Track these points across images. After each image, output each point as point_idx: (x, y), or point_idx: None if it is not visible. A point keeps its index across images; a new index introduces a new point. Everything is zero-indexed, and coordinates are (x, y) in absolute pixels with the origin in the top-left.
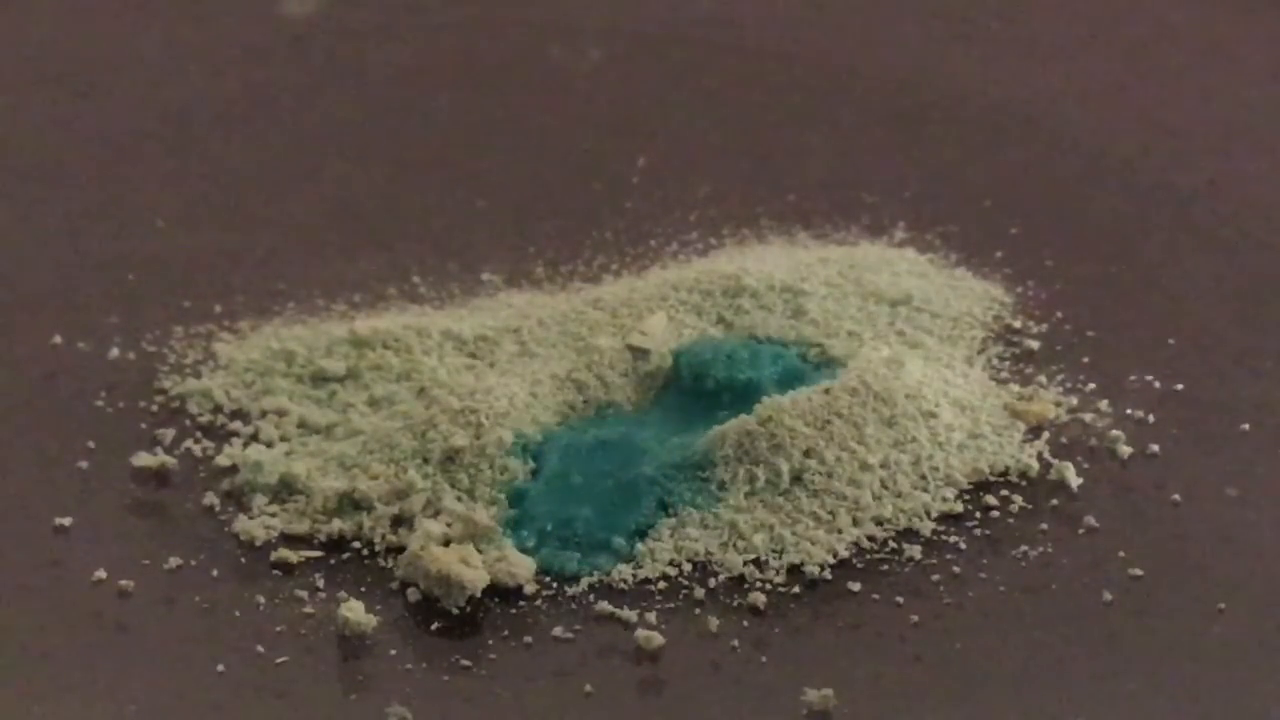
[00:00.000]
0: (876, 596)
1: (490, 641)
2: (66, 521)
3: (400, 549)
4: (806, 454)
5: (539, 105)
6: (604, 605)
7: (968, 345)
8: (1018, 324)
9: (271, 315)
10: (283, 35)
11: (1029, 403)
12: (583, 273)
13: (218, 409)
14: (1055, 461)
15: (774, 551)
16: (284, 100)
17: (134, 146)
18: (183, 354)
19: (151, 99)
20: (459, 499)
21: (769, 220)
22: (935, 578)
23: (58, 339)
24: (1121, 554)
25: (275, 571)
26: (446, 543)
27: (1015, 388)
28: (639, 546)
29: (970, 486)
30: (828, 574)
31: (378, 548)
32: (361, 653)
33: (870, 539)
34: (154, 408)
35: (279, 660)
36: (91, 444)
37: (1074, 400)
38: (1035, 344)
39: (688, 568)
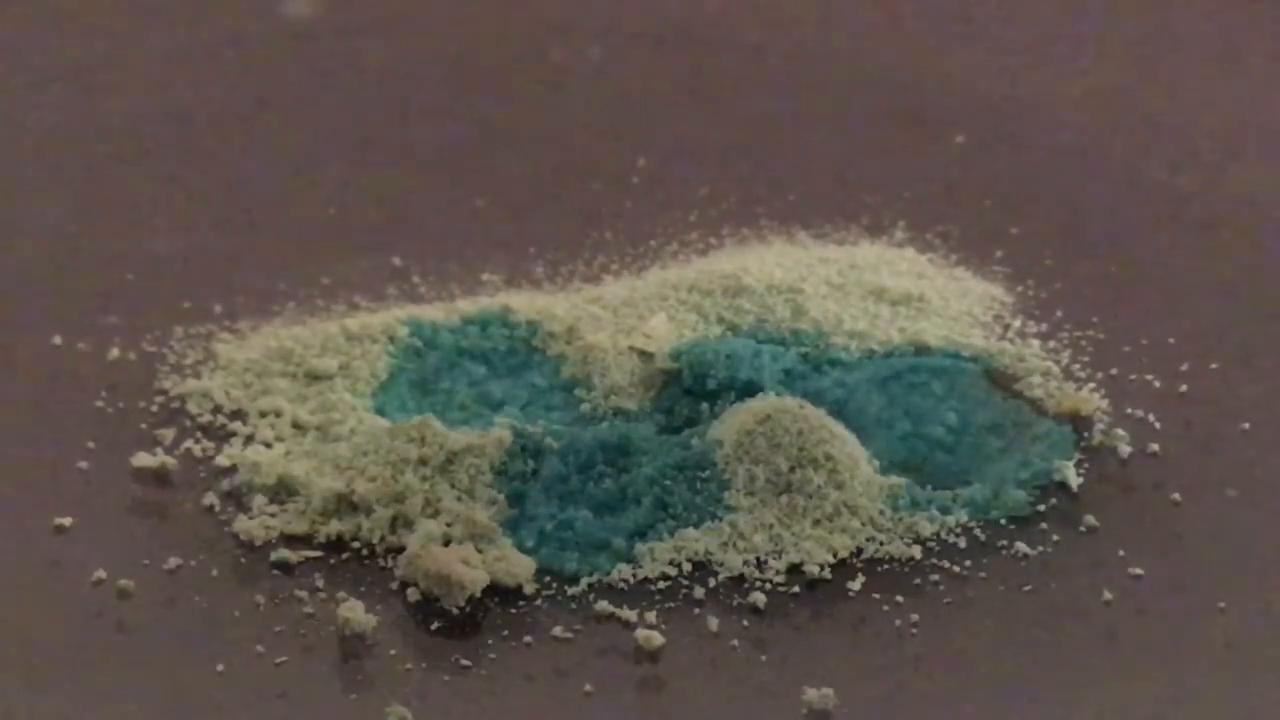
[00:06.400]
0: (876, 596)
1: (490, 641)
2: (66, 521)
3: (400, 549)
4: (806, 453)
5: (539, 105)
6: (604, 605)
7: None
8: (1018, 324)
9: (271, 315)
10: (283, 35)
11: (1070, 397)
12: (583, 273)
13: (217, 409)
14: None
15: (774, 551)
16: (284, 100)
17: (134, 146)
18: (183, 354)
19: (151, 99)
20: (459, 499)
21: (769, 220)
22: (935, 578)
23: (58, 339)
24: (1121, 554)
25: (275, 571)
26: (446, 543)
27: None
28: (638, 546)
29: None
30: (828, 574)
31: (377, 548)
32: (361, 653)
33: (870, 539)
34: (154, 408)
35: (279, 660)
36: (91, 444)
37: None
38: (1035, 344)
39: (688, 568)
